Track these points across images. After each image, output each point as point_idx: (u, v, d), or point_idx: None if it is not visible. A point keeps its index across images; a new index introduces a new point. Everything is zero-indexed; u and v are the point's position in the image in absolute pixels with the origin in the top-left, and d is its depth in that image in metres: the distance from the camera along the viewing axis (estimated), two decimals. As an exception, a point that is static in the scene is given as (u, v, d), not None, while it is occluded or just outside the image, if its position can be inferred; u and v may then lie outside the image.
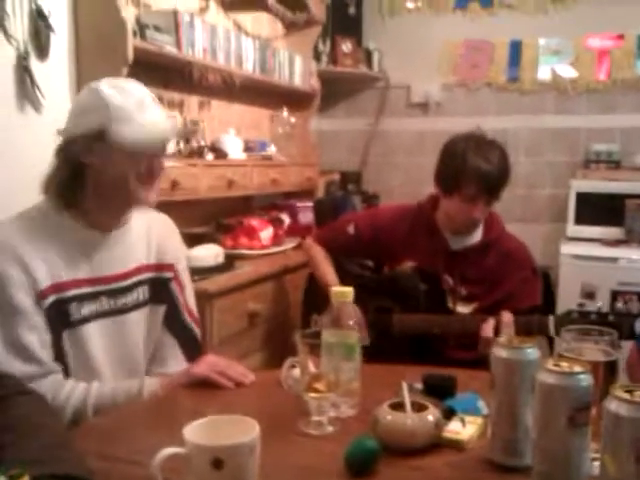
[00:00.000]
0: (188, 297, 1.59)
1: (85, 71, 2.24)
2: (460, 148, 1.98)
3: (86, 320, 1.37)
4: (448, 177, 2.00)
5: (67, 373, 1.35)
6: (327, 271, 2.20)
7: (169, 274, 1.54)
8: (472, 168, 1.92)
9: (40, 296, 1.29)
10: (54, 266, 1.32)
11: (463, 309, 2.04)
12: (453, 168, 1.97)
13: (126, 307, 1.44)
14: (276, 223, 3.04)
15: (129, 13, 2.31)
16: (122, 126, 1.30)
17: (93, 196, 1.37)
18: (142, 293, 1.48)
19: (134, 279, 1.46)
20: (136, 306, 1.47)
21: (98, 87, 1.33)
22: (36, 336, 1.28)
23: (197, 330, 1.60)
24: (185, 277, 1.59)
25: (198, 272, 2.26)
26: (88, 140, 1.32)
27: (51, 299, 1.31)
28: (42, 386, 1.26)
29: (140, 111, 1.33)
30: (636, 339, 1.81)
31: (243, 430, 0.86)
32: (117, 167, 1.34)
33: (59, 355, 1.33)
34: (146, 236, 1.50)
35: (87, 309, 1.37)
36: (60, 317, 1.33)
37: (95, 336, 1.38)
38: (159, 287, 1.52)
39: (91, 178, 1.35)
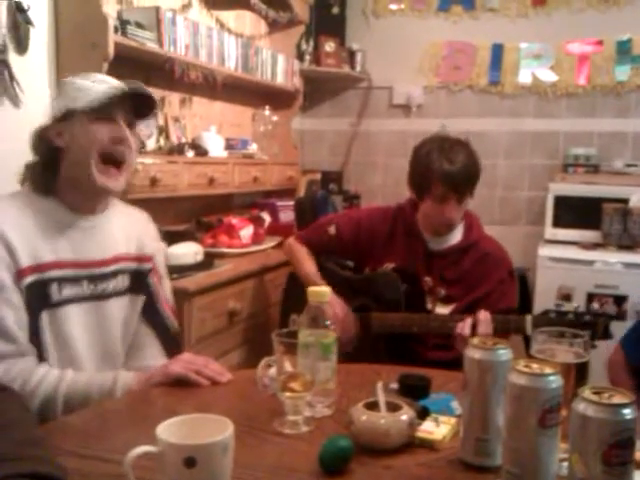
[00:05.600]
0: (165, 289, 1.62)
1: (65, 66, 2.22)
2: (424, 151, 2.02)
3: (66, 302, 1.38)
4: (418, 181, 2.05)
5: (44, 354, 1.35)
6: (310, 269, 2.20)
7: (148, 265, 1.57)
8: (436, 170, 1.96)
9: (19, 275, 1.30)
10: (36, 246, 1.34)
11: (442, 310, 2.06)
12: (420, 172, 2.03)
13: (106, 293, 1.46)
14: (256, 222, 3.04)
15: (111, 9, 2.31)
16: (80, 96, 1.38)
17: (65, 179, 1.42)
18: (122, 281, 1.50)
19: (114, 267, 1.48)
20: (116, 294, 1.49)
21: (67, 79, 1.44)
22: (12, 313, 1.28)
23: (174, 321, 1.62)
24: (162, 270, 1.63)
25: (177, 270, 2.26)
26: (56, 123, 1.40)
27: (30, 279, 1.32)
28: (14, 367, 1.26)
29: (98, 83, 1.40)
30: (621, 342, 1.84)
31: (217, 429, 0.85)
32: (80, 143, 1.39)
33: (37, 336, 1.33)
34: (126, 228, 1.54)
35: (68, 291, 1.38)
36: (40, 297, 1.33)
37: (74, 318, 1.40)
38: (139, 278, 1.54)
39: (63, 162, 1.41)
